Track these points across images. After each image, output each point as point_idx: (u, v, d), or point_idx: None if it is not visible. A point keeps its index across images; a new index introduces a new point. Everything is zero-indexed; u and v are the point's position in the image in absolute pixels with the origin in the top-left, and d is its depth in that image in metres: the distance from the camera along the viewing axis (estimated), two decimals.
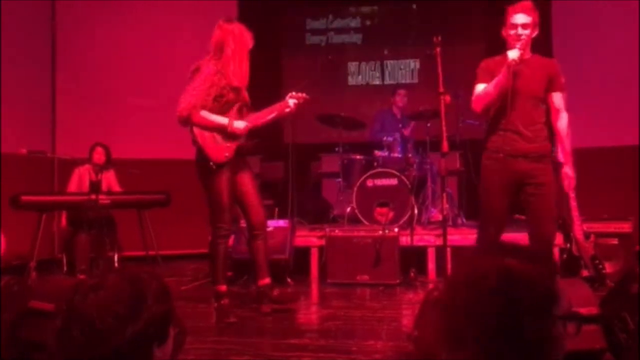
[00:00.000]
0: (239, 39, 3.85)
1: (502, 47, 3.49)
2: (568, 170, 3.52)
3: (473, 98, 3.45)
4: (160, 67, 6.80)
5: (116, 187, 5.69)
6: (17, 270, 4.92)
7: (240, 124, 3.85)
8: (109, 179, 5.68)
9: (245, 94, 3.96)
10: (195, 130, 3.81)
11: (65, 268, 5.48)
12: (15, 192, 5.01)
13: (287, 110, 3.94)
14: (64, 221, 5.66)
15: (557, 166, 3.78)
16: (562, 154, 3.52)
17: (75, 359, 1.06)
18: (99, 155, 5.62)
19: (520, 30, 3.34)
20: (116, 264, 5.49)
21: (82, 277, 4.90)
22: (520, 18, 3.35)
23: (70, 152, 5.93)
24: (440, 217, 5.77)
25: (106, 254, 5.47)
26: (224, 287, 3.91)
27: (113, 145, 5.85)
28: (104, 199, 5.16)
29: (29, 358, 2.85)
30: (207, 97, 3.76)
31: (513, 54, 3.29)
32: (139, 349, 1.09)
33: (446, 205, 3.66)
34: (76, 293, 1.09)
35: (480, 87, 3.45)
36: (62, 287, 3.04)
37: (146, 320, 1.09)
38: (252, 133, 4.01)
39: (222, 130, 3.82)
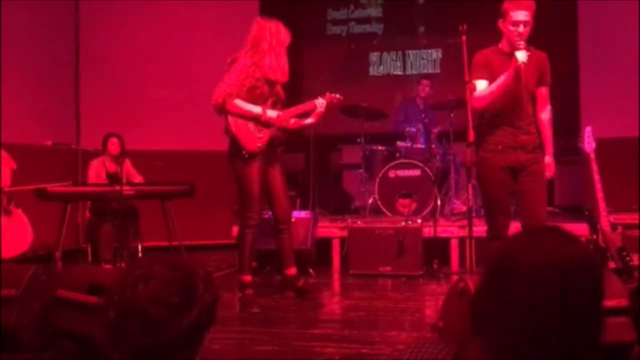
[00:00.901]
0: (275, 35, 3.93)
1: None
2: (548, 160, 3.59)
3: (474, 96, 3.46)
4: (182, 59, 6.83)
5: (136, 176, 5.72)
6: (44, 259, 5.00)
7: (273, 113, 3.93)
8: (127, 169, 5.71)
9: (280, 90, 4.01)
10: (230, 118, 3.88)
11: (90, 258, 5.55)
12: (42, 183, 5.07)
13: (317, 111, 3.98)
14: (87, 212, 5.72)
15: (587, 156, 3.75)
16: (545, 144, 3.59)
17: (131, 351, 1.06)
18: (114, 146, 5.63)
19: (521, 28, 3.36)
20: (140, 254, 5.55)
21: (107, 266, 4.96)
22: (521, 15, 3.36)
23: (94, 144, 5.98)
24: (463, 209, 5.74)
25: (130, 244, 5.52)
26: (249, 278, 3.93)
27: (136, 136, 5.89)
28: (127, 190, 5.19)
29: (58, 346, 2.90)
30: (242, 87, 3.85)
31: (522, 57, 3.29)
32: (193, 337, 1.09)
33: (471, 196, 3.62)
34: (125, 284, 1.08)
35: (479, 85, 3.46)
36: (89, 276, 3.08)
37: (200, 309, 1.09)
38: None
39: (255, 119, 3.89)
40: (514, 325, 0.98)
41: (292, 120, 4.08)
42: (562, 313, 0.97)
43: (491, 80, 3.42)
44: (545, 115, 3.60)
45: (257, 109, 3.89)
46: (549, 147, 3.61)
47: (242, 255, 3.95)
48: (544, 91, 3.59)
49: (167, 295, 1.06)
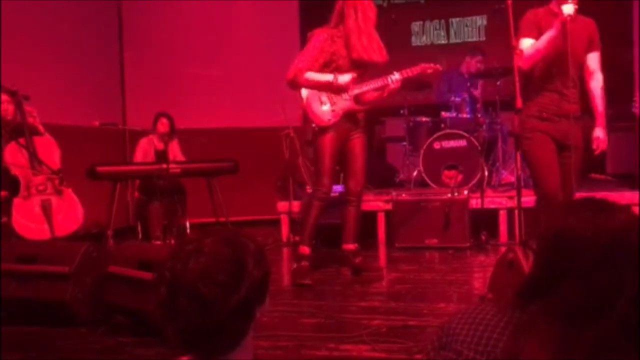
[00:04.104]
0: (362, 11, 3.86)
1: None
2: (600, 133, 3.40)
3: (523, 55, 3.28)
4: (224, 38, 6.84)
5: (180, 157, 5.79)
6: (96, 237, 5.13)
7: (345, 77, 3.88)
8: (174, 149, 5.79)
9: (367, 68, 3.96)
10: (303, 93, 3.91)
11: (140, 235, 5.67)
12: (90, 163, 5.19)
13: (390, 87, 3.87)
14: (136, 190, 5.84)
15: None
16: (596, 116, 3.39)
17: (183, 328, 1.06)
18: (163, 126, 5.71)
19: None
20: (188, 231, 5.64)
21: (157, 243, 5.07)
22: None
23: (140, 123, 6.08)
24: (511, 179, 5.61)
25: (178, 221, 5.62)
26: (307, 250, 3.96)
27: (181, 115, 5.95)
28: (174, 168, 5.27)
29: (110, 319, 2.98)
30: (315, 62, 3.85)
31: (568, 9, 3.10)
32: (243, 314, 1.08)
33: (519, 166, 3.49)
34: (176, 260, 1.07)
35: (526, 42, 3.30)
36: (138, 252, 3.15)
37: (248, 287, 1.07)
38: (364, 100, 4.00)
39: (328, 87, 3.86)
40: (580, 291, 0.98)
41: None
42: (625, 276, 0.97)
43: (539, 39, 3.27)
44: (596, 83, 3.40)
45: (328, 77, 3.86)
46: (600, 118, 3.41)
47: (305, 226, 3.98)
48: (592, 58, 3.40)
49: (216, 273, 1.05)
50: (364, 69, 3.96)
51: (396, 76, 3.87)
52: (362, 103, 3.99)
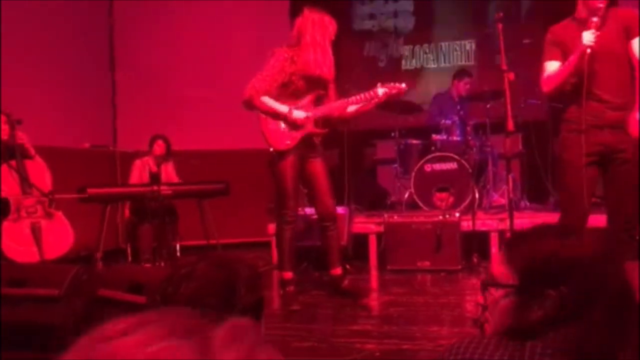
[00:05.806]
0: (320, 27, 3.76)
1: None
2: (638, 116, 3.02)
3: (543, 78, 3.12)
4: (216, 59, 6.87)
5: (174, 179, 5.78)
6: (85, 260, 5.08)
7: (300, 114, 3.75)
8: (168, 170, 5.78)
9: (331, 87, 3.86)
10: (260, 115, 3.80)
11: (129, 258, 5.62)
12: (81, 185, 5.15)
13: (375, 100, 3.75)
14: (127, 212, 5.81)
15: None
16: (637, 96, 3.03)
17: None
18: (159, 148, 5.72)
19: (599, 3, 2.96)
20: (178, 253, 5.60)
21: (147, 265, 5.02)
22: None
23: (131, 145, 6.07)
24: (501, 202, 5.63)
25: (168, 243, 5.58)
26: (289, 274, 3.92)
27: (172, 137, 5.95)
28: (165, 190, 5.25)
29: None
30: (273, 82, 3.72)
31: (587, 39, 2.91)
32: None
33: (511, 189, 3.50)
34: (168, 283, 1.07)
35: (550, 66, 3.09)
36: (128, 274, 3.11)
37: (239, 312, 1.05)
38: (325, 122, 3.90)
39: (281, 118, 3.76)
40: (576, 329, 1.00)
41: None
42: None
43: (563, 58, 3.04)
44: None
45: (283, 108, 3.73)
46: None
47: (281, 252, 3.92)
48: (635, 45, 3.01)
49: (206, 297, 1.04)
50: (323, 90, 3.85)
51: (384, 89, 3.72)
52: (321, 126, 3.88)
